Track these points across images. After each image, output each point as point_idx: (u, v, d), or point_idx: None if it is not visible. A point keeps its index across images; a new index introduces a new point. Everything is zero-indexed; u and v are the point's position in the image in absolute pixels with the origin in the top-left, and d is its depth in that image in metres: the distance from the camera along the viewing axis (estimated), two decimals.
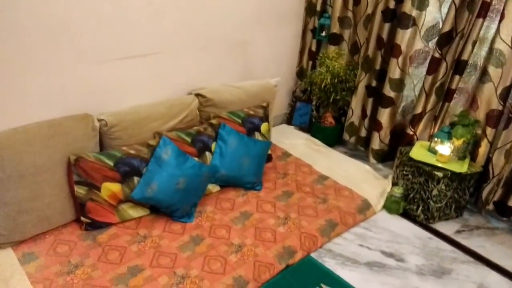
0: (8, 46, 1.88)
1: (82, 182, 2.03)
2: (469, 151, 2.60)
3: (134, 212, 2.18)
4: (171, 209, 2.18)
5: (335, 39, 3.24)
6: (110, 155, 2.10)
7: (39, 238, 2.00)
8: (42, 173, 1.94)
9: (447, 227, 2.51)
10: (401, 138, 2.97)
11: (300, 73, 3.53)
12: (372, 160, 3.13)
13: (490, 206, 2.56)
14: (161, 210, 2.21)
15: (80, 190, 2.03)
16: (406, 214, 2.59)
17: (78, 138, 2.06)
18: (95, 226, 2.08)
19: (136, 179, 2.13)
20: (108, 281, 1.79)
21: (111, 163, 2.07)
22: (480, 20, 2.40)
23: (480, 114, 2.57)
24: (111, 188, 2.07)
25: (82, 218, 2.07)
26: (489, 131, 2.52)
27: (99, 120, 2.17)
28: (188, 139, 2.37)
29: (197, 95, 2.61)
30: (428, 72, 2.67)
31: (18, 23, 1.87)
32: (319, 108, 3.45)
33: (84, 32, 2.10)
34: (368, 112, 3.11)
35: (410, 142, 2.87)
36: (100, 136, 2.19)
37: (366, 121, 3.15)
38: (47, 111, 2.08)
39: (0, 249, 1.91)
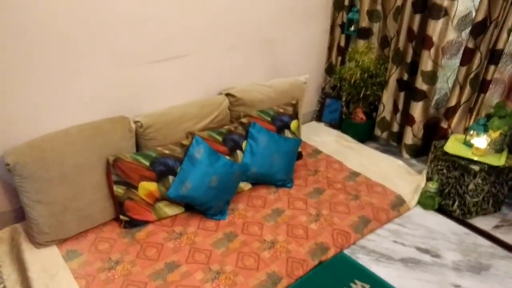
0: (48, 53, 1.98)
1: (120, 181, 2.12)
2: (507, 143, 2.52)
3: (169, 210, 2.25)
4: (205, 206, 2.23)
5: (365, 33, 3.20)
6: (146, 155, 2.18)
7: (81, 236, 2.10)
8: (83, 173, 2.04)
9: (485, 222, 2.44)
10: (435, 132, 2.90)
11: (329, 69, 3.51)
12: (405, 155, 3.07)
13: None
14: (195, 208, 2.27)
15: (118, 190, 2.11)
16: (442, 210, 2.53)
17: (116, 140, 2.14)
18: (133, 224, 2.17)
19: (171, 178, 2.20)
20: (147, 277, 1.86)
21: (147, 163, 2.15)
22: None
23: None
24: (147, 187, 2.15)
25: (121, 217, 2.15)
26: None
27: (135, 122, 2.25)
28: (220, 138, 2.42)
29: (227, 94, 2.65)
30: (462, 63, 2.60)
31: (57, 29, 1.97)
32: (349, 104, 3.42)
33: (119, 37, 2.18)
34: (400, 106, 3.06)
35: (445, 136, 2.80)
36: (136, 137, 2.27)
37: (398, 116, 3.09)
38: (86, 114, 2.19)
39: (45, 246, 2.02)
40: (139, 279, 1.85)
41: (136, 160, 2.14)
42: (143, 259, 1.96)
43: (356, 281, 1.96)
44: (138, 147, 2.31)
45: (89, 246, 2.04)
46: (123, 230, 2.15)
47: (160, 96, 2.49)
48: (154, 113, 2.33)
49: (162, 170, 2.18)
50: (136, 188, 2.14)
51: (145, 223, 2.19)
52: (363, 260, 2.11)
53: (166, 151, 2.24)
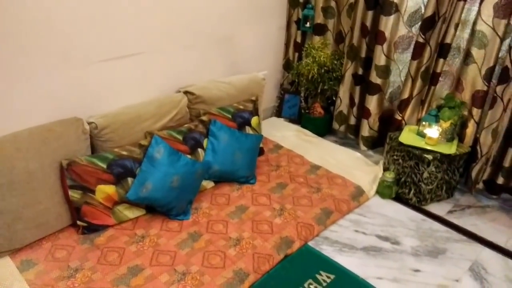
0: None
1: (76, 186, 2.03)
2: (457, 133, 2.65)
3: (130, 213, 2.18)
4: (167, 207, 2.18)
5: (320, 30, 3.25)
6: (102, 158, 2.10)
7: (36, 245, 1.99)
8: (35, 179, 1.93)
9: (439, 208, 2.57)
10: (389, 123, 3.01)
11: (287, 65, 3.54)
12: (363, 147, 3.16)
13: (480, 185, 2.62)
14: (157, 209, 2.22)
15: (74, 194, 2.02)
16: (399, 198, 2.63)
17: (69, 142, 2.05)
18: (92, 229, 2.08)
19: (130, 180, 2.13)
20: (109, 283, 1.80)
21: (104, 166, 2.07)
22: (461, 3, 2.44)
23: (466, 96, 2.62)
24: (105, 190, 2.07)
25: (79, 222, 2.06)
26: (475, 111, 2.57)
27: (89, 123, 2.16)
28: (180, 137, 2.37)
29: (186, 92, 2.61)
30: (413, 57, 2.71)
31: (1, 27, 1.84)
32: (308, 99, 3.47)
33: (69, 35, 2.08)
34: (356, 100, 3.14)
35: (399, 127, 2.91)
36: (91, 139, 2.18)
37: (355, 109, 3.18)
38: (35, 117, 2.06)
39: None
40: (101, 286, 1.78)
41: (92, 163, 2.05)
42: (104, 265, 1.89)
43: (321, 272, 1.99)
44: (94, 149, 2.22)
45: (45, 254, 1.93)
46: (81, 236, 2.06)
47: (115, 95, 2.40)
48: (110, 113, 2.25)
49: (120, 172, 2.11)
50: (93, 192, 2.05)
51: (104, 227, 2.11)
52: (327, 251, 2.15)
53: (124, 152, 2.17)
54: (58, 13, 2.01)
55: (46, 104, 2.12)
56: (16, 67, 1.95)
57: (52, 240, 2.03)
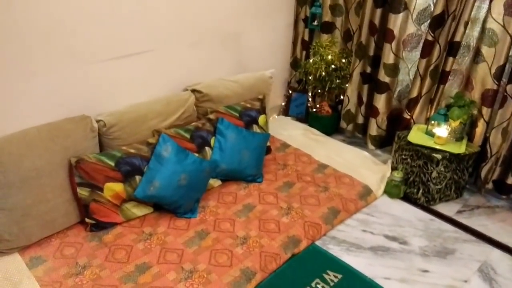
0: (1, 50, 1.87)
1: (84, 183, 2.04)
2: (466, 132, 2.62)
3: (138, 210, 2.19)
4: (175, 205, 2.19)
5: (328, 28, 3.24)
6: (110, 155, 2.10)
7: (44, 242, 2.00)
8: (44, 177, 1.94)
9: (448, 208, 2.54)
10: (398, 122, 2.98)
11: (294, 64, 3.53)
12: (371, 146, 3.14)
13: (490, 185, 2.59)
14: (164, 207, 2.22)
15: (82, 192, 2.03)
16: (407, 198, 2.61)
17: (78, 140, 2.06)
18: (100, 226, 2.09)
19: (138, 177, 2.14)
20: (117, 280, 1.81)
21: (112, 163, 2.08)
22: (471, 0, 2.41)
23: (476, 95, 2.59)
24: (113, 188, 2.08)
25: (87, 220, 2.07)
26: (485, 111, 2.55)
27: (97, 121, 2.17)
28: (187, 135, 2.38)
29: (193, 90, 2.61)
30: (422, 56, 2.68)
31: (9, 25, 1.86)
32: (315, 98, 3.45)
33: (77, 33, 2.09)
34: (364, 99, 3.12)
35: (407, 126, 2.89)
36: (99, 137, 2.19)
37: (363, 108, 3.16)
38: (44, 115, 2.08)
39: (6, 254, 1.92)
40: (109, 283, 1.79)
41: (100, 161, 2.06)
42: (112, 262, 1.90)
43: (329, 272, 1.98)
44: (102, 147, 2.23)
45: (54, 251, 1.95)
46: (89, 234, 2.07)
47: (123, 93, 2.41)
48: (118, 111, 2.26)
49: (128, 170, 2.12)
50: (101, 189, 2.06)
51: (112, 225, 2.12)
52: (334, 250, 2.14)
53: (132, 150, 2.18)
54: (65, 12, 2.02)
55: (55, 102, 2.13)
56: (24, 66, 1.97)
57: (60, 237, 2.04)
